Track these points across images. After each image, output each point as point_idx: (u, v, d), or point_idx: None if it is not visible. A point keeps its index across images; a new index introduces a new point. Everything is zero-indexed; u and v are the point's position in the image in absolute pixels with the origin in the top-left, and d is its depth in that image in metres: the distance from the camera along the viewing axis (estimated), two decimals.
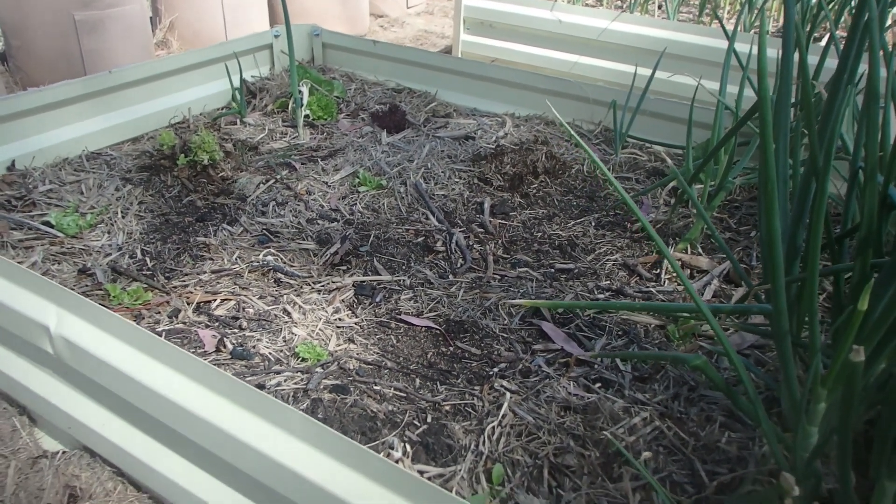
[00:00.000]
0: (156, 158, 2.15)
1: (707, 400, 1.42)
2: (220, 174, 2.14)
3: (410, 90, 2.88)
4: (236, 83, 2.61)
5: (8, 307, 1.31)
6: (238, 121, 2.58)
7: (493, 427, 1.34)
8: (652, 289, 1.78)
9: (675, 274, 1.84)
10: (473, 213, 2.09)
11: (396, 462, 1.25)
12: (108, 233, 1.89)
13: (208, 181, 2.12)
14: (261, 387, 1.38)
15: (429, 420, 1.36)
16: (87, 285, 1.69)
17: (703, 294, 1.76)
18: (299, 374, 1.43)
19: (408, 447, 1.29)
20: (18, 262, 1.67)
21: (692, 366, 1.12)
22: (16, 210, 1.97)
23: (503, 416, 1.36)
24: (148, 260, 1.80)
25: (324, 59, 3.08)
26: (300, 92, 2.50)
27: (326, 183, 2.19)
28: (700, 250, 1.93)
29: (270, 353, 1.49)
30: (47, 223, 1.89)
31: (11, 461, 1.39)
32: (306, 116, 2.55)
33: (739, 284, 1.79)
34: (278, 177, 2.19)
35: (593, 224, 2.05)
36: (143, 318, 1.58)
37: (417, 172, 2.23)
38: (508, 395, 1.41)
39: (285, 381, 1.41)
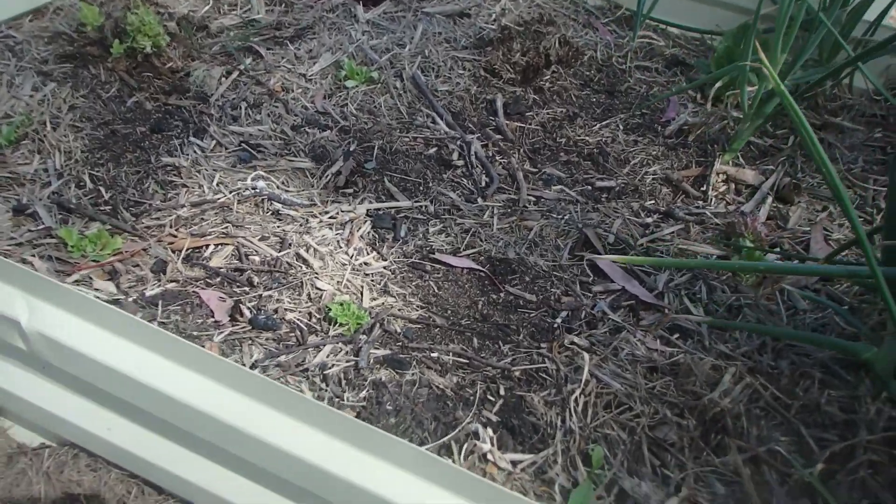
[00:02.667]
0: (79, 45, 1.69)
1: (796, 351, 1.28)
2: (168, 65, 1.72)
3: None
4: None
5: None
6: None
7: (577, 397, 1.16)
8: (703, 210, 1.58)
9: (722, 189, 1.65)
10: (485, 113, 1.80)
11: (485, 454, 1.04)
12: (38, 152, 1.48)
13: (154, 75, 1.71)
14: (303, 367, 1.12)
15: (502, 392, 1.16)
16: (30, 231, 1.32)
17: (756, 212, 1.58)
18: (341, 345, 1.17)
19: (490, 432, 1.08)
20: None
21: (864, 358, 0.95)
22: None
23: (585, 383, 1.17)
24: (102, 189, 1.43)
25: None
26: None
27: (304, 76, 1.81)
28: (742, 160, 1.73)
29: (298, 319, 1.21)
30: None
31: None
32: None
33: (791, 202, 1.62)
34: (242, 67, 1.79)
35: (621, 128, 1.81)
36: (121, 276, 1.25)
37: (413, 62, 1.88)
38: (585, 355, 1.21)
39: (329, 357, 1.15)
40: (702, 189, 1.64)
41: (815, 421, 1.17)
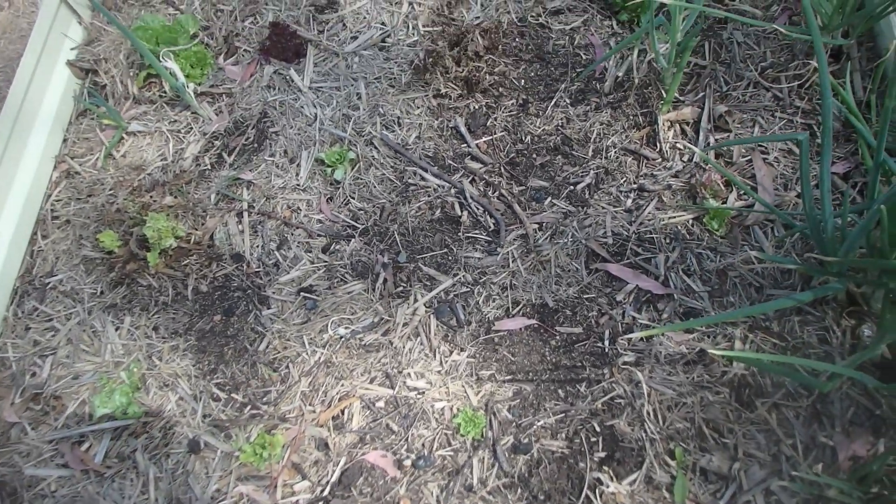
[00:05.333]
0: (119, 268, 1.90)
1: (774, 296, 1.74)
2: (193, 239, 1.95)
3: None
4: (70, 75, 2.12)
5: None
6: (120, 131, 2.17)
7: (647, 410, 1.65)
8: (665, 171, 1.92)
9: (671, 138, 1.96)
10: (455, 142, 2.04)
11: (612, 493, 1.57)
12: (167, 386, 1.81)
13: (186, 254, 1.94)
14: (470, 489, 1.61)
15: (598, 429, 1.65)
16: (207, 457, 1.71)
17: (706, 156, 1.92)
18: (478, 452, 1.64)
19: (608, 470, 1.60)
20: None
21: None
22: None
23: (648, 395, 1.66)
24: (233, 394, 1.79)
25: None
26: (170, 72, 2.08)
27: (298, 186, 2.02)
28: (677, 95, 2.01)
29: (440, 444, 1.67)
30: (103, 417, 1.77)
31: None
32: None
33: (728, 130, 1.94)
34: (245, 207, 2.00)
35: (568, 101, 2.05)
36: (305, 467, 1.68)
37: (374, 122, 2.07)
38: (638, 373, 1.68)
39: (481, 471, 1.63)
40: (657, 149, 1.96)
41: (805, 354, 1.66)
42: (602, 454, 1.62)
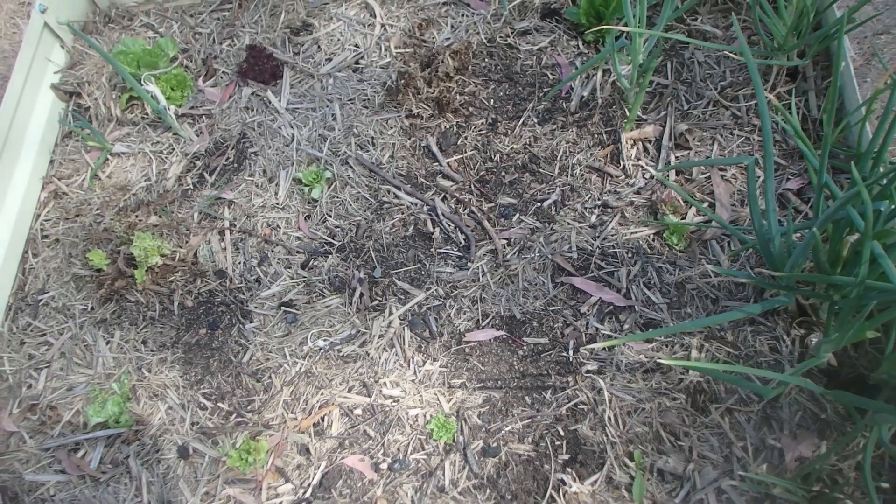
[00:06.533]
0: (108, 285, 1.99)
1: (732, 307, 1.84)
2: (178, 257, 2.04)
3: None
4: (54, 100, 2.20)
5: None
6: (105, 153, 2.25)
7: (608, 416, 1.75)
8: (628, 188, 2.02)
9: (634, 156, 2.07)
10: (427, 160, 2.13)
11: (575, 492, 1.68)
12: (156, 396, 1.91)
13: (171, 271, 2.03)
14: (442, 490, 1.71)
15: (562, 433, 1.76)
16: (196, 462, 1.81)
17: (666, 176, 2.02)
18: (450, 455, 1.75)
19: (572, 472, 1.71)
20: None
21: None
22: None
23: (610, 402, 1.76)
24: (219, 403, 1.88)
25: (109, 5, 2.51)
26: (152, 95, 2.16)
27: (277, 204, 2.12)
28: (640, 113, 2.11)
29: (415, 448, 1.77)
30: (97, 425, 1.87)
31: None
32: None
33: (689, 147, 2.04)
34: (227, 225, 2.09)
35: (535, 120, 2.15)
36: (288, 471, 1.78)
37: (349, 142, 2.16)
38: (599, 380, 1.78)
39: (453, 473, 1.73)
40: (620, 166, 2.06)
41: (757, 363, 1.77)
42: (566, 457, 1.72)
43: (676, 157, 2.04)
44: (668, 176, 2.02)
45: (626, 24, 1.78)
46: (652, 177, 2.02)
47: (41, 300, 2.05)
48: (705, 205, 1.96)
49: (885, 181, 1.40)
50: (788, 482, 1.59)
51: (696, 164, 1.95)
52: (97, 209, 2.15)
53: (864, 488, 1.47)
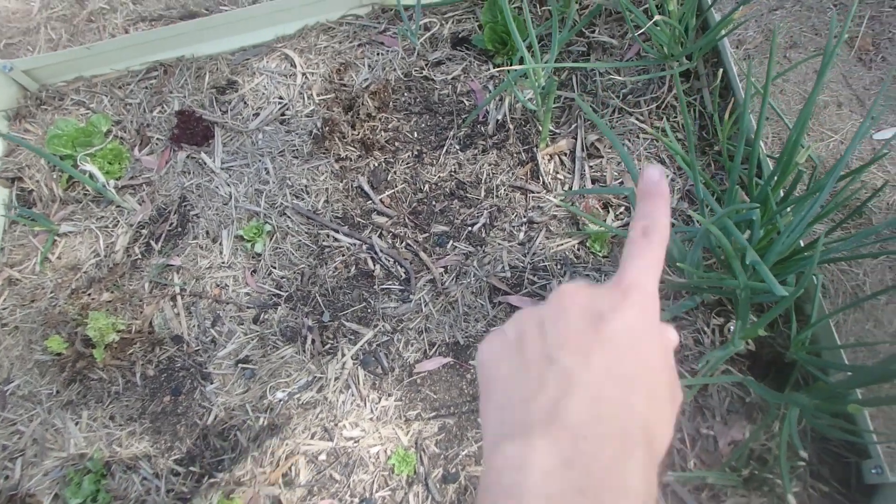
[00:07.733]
0: (69, 367, 2.08)
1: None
2: (134, 329, 2.13)
3: (162, 65, 2.53)
4: None
5: None
6: (52, 235, 2.33)
7: None
8: (549, 201, 2.12)
9: (552, 170, 2.17)
10: (361, 200, 2.22)
11: None
12: (130, 469, 2.00)
13: (130, 344, 2.12)
14: None
15: None
16: None
17: (580, 176, 2.12)
18: (413, 487, 1.85)
19: None
20: None
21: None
22: None
23: None
24: (191, 467, 1.98)
25: (39, 88, 2.57)
26: (89, 174, 2.24)
27: (223, 263, 2.20)
28: (553, 127, 2.21)
29: (379, 485, 1.87)
30: None
31: None
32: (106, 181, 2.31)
33: (601, 155, 2.15)
34: (178, 290, 2.18)
35: (457, 147, 2.24)
36: None
37: (284, 193, 2.24)
38: None
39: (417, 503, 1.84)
40: (540, 182, 2.16)
41: (684, 356, 1.88)
42: None
43: (590, 167, 2.14)
44: (572, 202, 2.11)
45: (521, 58, 1.87)
46: (570, 188, 2.12)
47: (7, 390, 2.13)
48: (622, 209, 2.06)
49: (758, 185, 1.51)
50: (717, 473, 1.71)
51: (585, 192, 2.06)
52: (51, 292, 2.23)
53: (784, 467, 1.59)
